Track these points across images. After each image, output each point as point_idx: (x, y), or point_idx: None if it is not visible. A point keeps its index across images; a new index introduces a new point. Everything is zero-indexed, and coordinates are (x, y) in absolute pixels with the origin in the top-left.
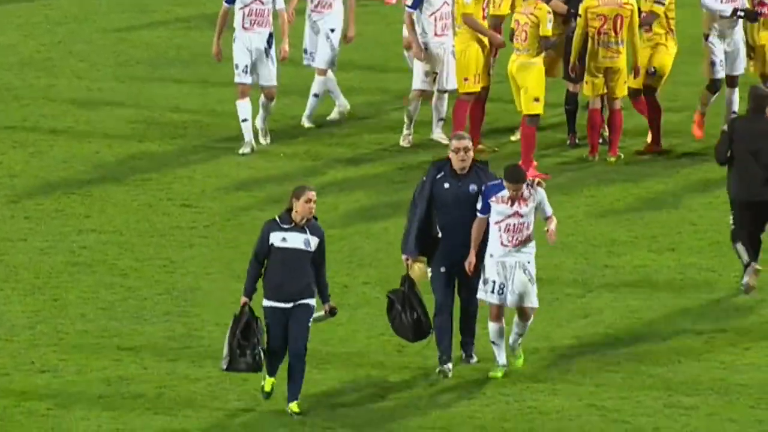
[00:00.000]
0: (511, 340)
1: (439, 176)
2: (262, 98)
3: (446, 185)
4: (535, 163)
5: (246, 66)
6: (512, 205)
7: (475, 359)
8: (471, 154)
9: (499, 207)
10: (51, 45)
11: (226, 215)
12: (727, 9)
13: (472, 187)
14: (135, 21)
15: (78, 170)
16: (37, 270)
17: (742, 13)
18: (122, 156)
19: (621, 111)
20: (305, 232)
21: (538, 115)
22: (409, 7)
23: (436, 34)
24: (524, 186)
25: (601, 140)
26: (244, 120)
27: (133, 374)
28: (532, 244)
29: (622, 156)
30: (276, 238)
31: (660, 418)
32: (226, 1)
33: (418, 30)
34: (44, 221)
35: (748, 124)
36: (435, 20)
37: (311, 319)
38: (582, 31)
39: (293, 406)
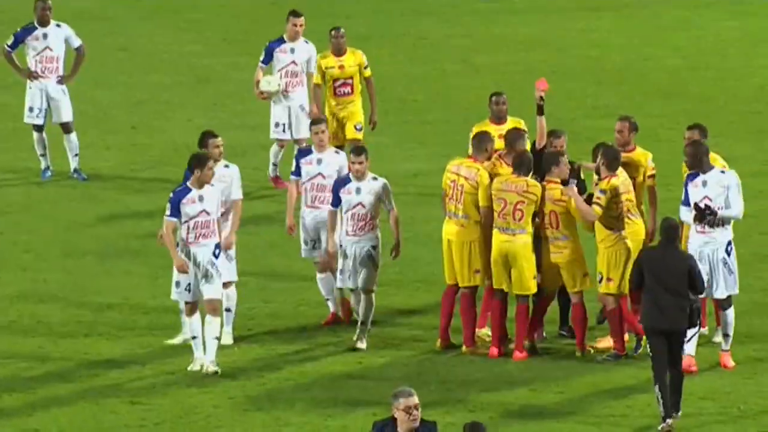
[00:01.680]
0: None
1: None
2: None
3: None
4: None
5: (188, 284)
6: None
7: None
8: (419, 410)
9: None
10: None
11: (177, 413)
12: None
13: None
14: (83, 210)
15: (20, 367)
16: None
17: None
18: (68, 351)
19: (582, 304)
20: None
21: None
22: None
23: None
24: None
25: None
26: (194, 337)
27: None
28: None
29: (592, 350)
30: None
31: None
32: (169, 215)
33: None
34: None
35: (659, 255)
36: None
37: None
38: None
39: None
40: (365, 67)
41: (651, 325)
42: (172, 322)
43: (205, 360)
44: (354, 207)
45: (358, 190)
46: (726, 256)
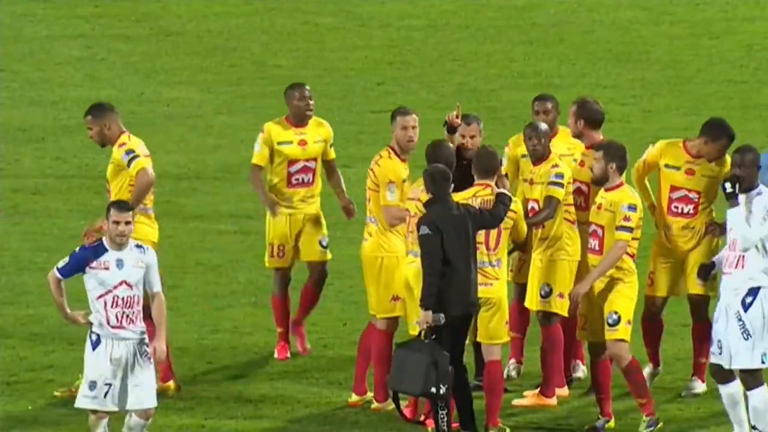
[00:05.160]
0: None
1: None
2: None
3: None
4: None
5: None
6: None
7: None
8: None
9: None
10: None
11: None
12: None
13: None
14: None
15: None
16: None
17: None
18: None
19: (500, 363)
20: None
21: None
22: None
23: None
24: None
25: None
26: None
27: None
28: None
29: (508, 431)
30: None
31: None
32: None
33: None
34: None
35: (451, 212)
36: None
37: None
38: None
39: None
40: (330, 146)
41: (454, 310)
42: None
43: None
44: (115, 288)
45: (119, 264)
46: (741, 309)
